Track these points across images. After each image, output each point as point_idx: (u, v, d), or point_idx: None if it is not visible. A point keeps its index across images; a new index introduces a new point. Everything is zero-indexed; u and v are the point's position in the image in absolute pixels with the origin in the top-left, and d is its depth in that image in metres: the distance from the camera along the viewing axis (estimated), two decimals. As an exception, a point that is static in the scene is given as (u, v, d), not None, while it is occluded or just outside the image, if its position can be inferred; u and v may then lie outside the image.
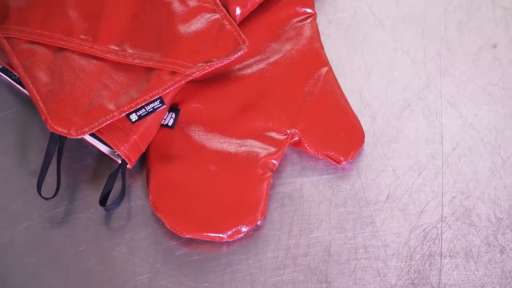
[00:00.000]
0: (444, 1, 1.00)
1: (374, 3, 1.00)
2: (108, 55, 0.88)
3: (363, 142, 0.90)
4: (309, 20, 0.95)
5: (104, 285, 0.84)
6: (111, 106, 0.85)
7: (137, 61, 0.88)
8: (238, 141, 0.88)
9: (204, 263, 0.84)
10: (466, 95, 0.94)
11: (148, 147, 0.89)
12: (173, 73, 0.87)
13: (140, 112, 0.86)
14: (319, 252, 0.85)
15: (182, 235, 0.85)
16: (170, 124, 0.89)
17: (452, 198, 0.88)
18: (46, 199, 0.86)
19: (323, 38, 0.96)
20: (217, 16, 0.90)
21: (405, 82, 0.94)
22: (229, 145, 0.88)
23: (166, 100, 0.87)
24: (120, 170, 0.86)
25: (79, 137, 0.84)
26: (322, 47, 0.94)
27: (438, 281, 0.83)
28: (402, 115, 0.92)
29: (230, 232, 0.84)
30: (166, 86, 0.86)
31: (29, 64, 0.88)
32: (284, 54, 0.93)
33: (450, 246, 0.85)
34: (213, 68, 0.87)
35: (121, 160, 0.87)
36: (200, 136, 0.88)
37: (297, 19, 0.95)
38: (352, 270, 0.84)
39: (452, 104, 0.93)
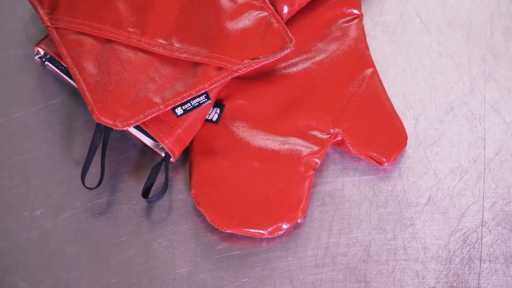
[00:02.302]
0: (491, 7, 1.00)
1: (420, 6, 1.00)
2: (156, 49, 0.89)
3: (405, 144, 0.90)
4: (355, 21, 0.95)
5: (143, 277, 0.84)
6: (157, 99, 0.86)
7: (184, 55, 0.88)
8: (282, 139, 0.88)
9: (244, 258, 0.85)
10: (510, 101, 0.94)
11: (192, 141, 0.89)
12: (220, 68, 0.87)
13: (186, 106, 0.86)
14: (358, 252, 0.85)
15: (222, 230, 0.85)
16: (214, 119, 0.89)
17: (493, 203, 0.87)
18: (89, 189, 0.87)
19: (368, 39, 0.97)
20: (264, 13, 0.90)
21: (449, 86, 0.94)
22: (272, 142, 0.88)
23: (211, 95, 0.88)
24: (164, 163, 0.87)
25: (125, 128, 0.85)
26: (367, 48, 0.94)
27: (477, 285, 0.83)
28: (445, 119, 0.92)
29: (270, 229, 0.85)
30: (212, 81, 0.86)
31: (77, 54, 0.89)
32: (330, 54, 0.93)
33: (490, 251, 0.85)
34: (259, 65, 0.87)
35: (165, 153, 0.87)
36: (244, 132, 0.89)
37: (344, 19, 0.95)
38: (391, 271, 0.84)
39: (495, 110, 0.93)
